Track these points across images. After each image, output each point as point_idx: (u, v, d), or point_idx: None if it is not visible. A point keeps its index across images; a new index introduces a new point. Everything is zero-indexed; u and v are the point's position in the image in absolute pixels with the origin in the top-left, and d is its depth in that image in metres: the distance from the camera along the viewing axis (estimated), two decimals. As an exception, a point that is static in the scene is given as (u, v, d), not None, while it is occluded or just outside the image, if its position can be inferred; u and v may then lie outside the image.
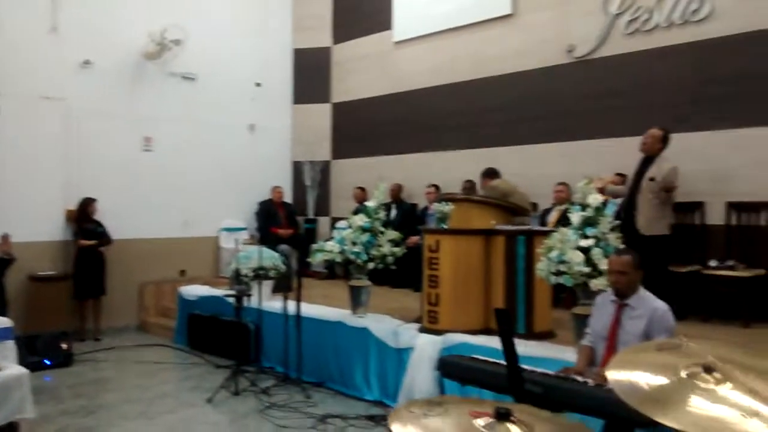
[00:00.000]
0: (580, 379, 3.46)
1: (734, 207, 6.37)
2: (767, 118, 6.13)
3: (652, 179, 5.84)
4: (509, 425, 1.46)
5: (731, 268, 6.00)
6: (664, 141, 5.95)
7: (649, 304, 3.70)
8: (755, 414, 1.77)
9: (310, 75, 10.70)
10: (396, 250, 6.13)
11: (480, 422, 1.46)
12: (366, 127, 10.07)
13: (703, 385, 1.90)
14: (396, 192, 9.07)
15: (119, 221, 8.41)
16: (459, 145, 8.75)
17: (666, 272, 5.94)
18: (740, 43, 6.34)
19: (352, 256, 5.98)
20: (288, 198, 10.40)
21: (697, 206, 6.51)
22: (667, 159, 5.92)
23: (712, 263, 6.13)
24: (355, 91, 10.29)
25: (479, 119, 8.52)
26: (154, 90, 9.08)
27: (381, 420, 5.07)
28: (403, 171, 9.32)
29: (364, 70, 10.13)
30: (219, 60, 9.68)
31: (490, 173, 7.21)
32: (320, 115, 10.71)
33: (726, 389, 1.87)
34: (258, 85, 10.24)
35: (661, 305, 3.69)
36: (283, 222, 9.70)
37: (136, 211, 8.78)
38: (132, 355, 7.35)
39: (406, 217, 8.78)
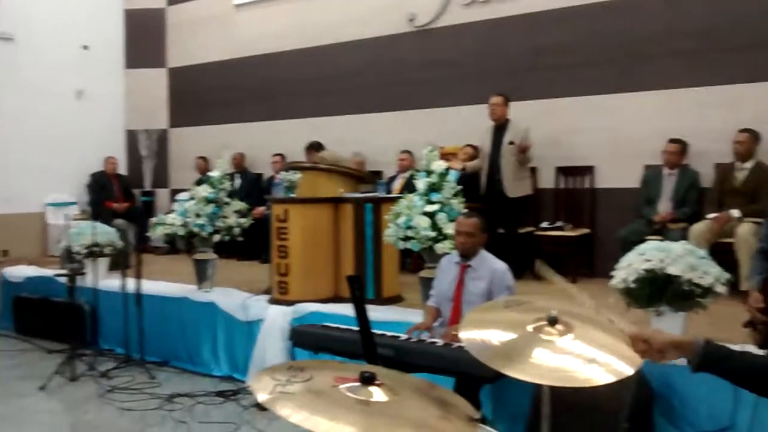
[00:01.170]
0: (429, 339, 3.59)
1: (562, 171, 6.83)
2: (591, 88, 6.60)
3: (511, 143, 6.24)
4: (374, 389, 1.45)
5: (560, 228, 6.45)
6: (507, 105, 6.35)
7: (490, 264, 3.89)
8: (593, 361, 1.90)
9: (144, 38, 10.07)
10: (242, 221, 6.01)
11: (346, 387, 1.45)
12: (206, 94, 9.66)
13: (547, 337, 2.01)
14: (239, 161, 8.83)
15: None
16: (304, 113, 8.65)
17: (517, 233, 6.32)
18: (566, 15, 6.73)
19: (196, 229, 5.77)
20: (122, 169, 9.77)
21: (531, 171, 6.89)
22: (517, 121, 6.34)
23: (544, 224, 6.56)
24: (193, 56, 9.83)
25: (323, 87, 8.45)
26: (-37, 51, 8.17)
27: (231, 395, 4.98)
28: (246, 139, 9.07)
29: (203, 34, 9.70)
30: (40, 19, 8.86)
31: (315, 146, 7.18)
32: (155, 80, 10.13)
33: (568, 339, 1.98)
34: (85, 47, 9.50)
35: (500, 265, 3.89)
36: (118, 195, 9.13)
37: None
38: (-52, 345, 6.66)
39: (251, 187, 8.61)
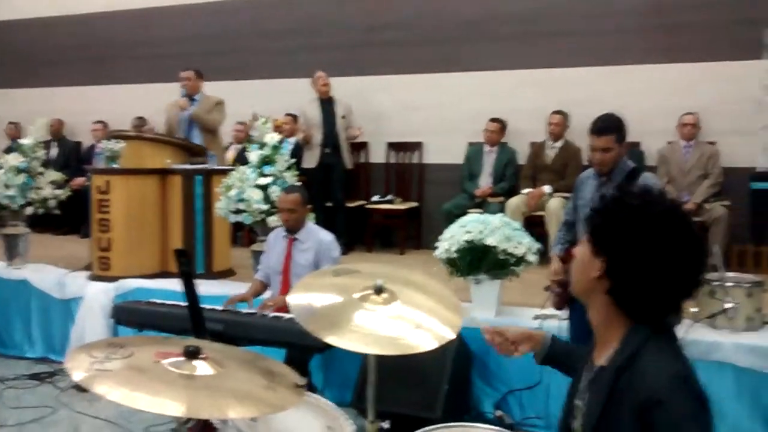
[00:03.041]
0: (260, 312, 3.58)
1: (392, 147, 7.03)
2: (421, 66, 6.79)
3: (344, 117, 6.48)
4: (198, 362, 1.44)
5: (390, 202, 6.66)
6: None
7: (316, 236, 3.98)
8: (419, 325, 1.99)
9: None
10: (58, 192, 5.67)
11: (168, 362, 1.42)
12: (17, 54, 8.83)
13: (373, 306, 2.07)
14: (56, 128, 8.19)
15: None
16: (127, 79, 8.17)
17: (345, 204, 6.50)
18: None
19: (5, 201, 5.38)
20: None
21: (362, 146, 7.04)
22: (340, 97, 6.55)
23: (375, 198, 6.74)
24: (5, 11, 8.93)
25: (149, 51, 8.02)
26: None
27: (47, 377, 4.69)
28: (63, 105, 8.42)
29: (11, -13, 8.83)
30: None
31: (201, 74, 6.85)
32: (-45, 36, 9.10)
33: (395, 306, 2.06)
34: None
35: (326, 236, 3.98)
36: None
37: None
38: None
39: (69, 156, 8.06)
